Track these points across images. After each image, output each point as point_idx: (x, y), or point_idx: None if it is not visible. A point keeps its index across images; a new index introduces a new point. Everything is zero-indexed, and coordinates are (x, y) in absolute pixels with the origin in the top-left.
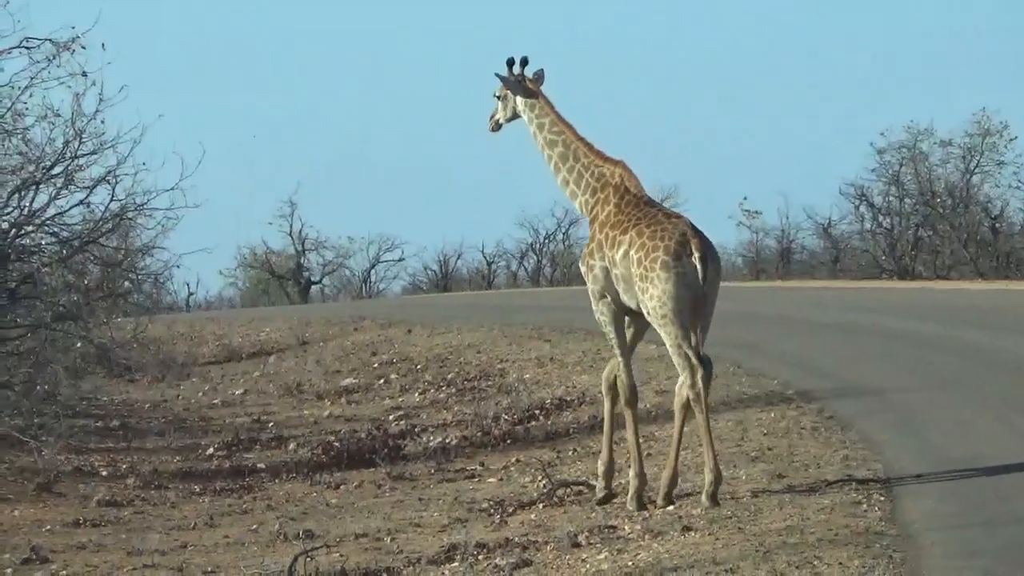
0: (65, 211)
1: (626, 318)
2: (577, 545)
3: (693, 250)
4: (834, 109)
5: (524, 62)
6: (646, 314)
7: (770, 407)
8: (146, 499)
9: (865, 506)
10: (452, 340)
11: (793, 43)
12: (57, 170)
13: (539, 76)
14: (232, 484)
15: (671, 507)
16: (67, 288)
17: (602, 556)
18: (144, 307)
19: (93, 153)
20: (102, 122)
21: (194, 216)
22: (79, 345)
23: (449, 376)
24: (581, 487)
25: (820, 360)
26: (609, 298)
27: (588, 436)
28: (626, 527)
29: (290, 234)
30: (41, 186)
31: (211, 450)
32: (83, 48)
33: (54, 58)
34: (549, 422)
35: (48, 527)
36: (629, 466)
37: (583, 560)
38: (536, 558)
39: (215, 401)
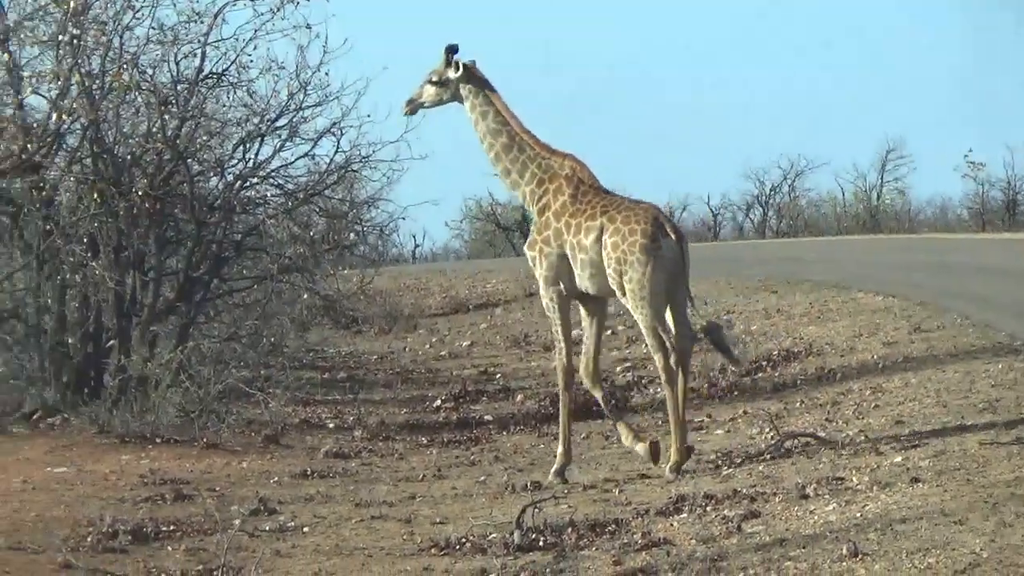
0: (290, 163)
1: (580, 304)
2: (805, 496)
3: (668, 231)
4: None
5: (455, 50)
6: (620, 296)
7: (998, 358)
8: (373, 451)
9: None
10: None
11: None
12: (282, 122)
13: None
14: (459, 436)
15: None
16: (293, 240)
17: (830, 508)
18: (370, 259)
19: (317, 105)
20: (326, 74)
21: (419, 168)
22: (305, 297)
23: None
24: (809, 438)
25: None
26: (561, 285)
27: (815, 388)
28: (854, 478)
29: None
30: (266, 138)
31: (438, 402)
32: (306, 0)
33: (278, 10)
34: (776, 373)
35: (276, 479)
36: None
37: (811, 512)
38: (764, 509)
39: (442, 353)
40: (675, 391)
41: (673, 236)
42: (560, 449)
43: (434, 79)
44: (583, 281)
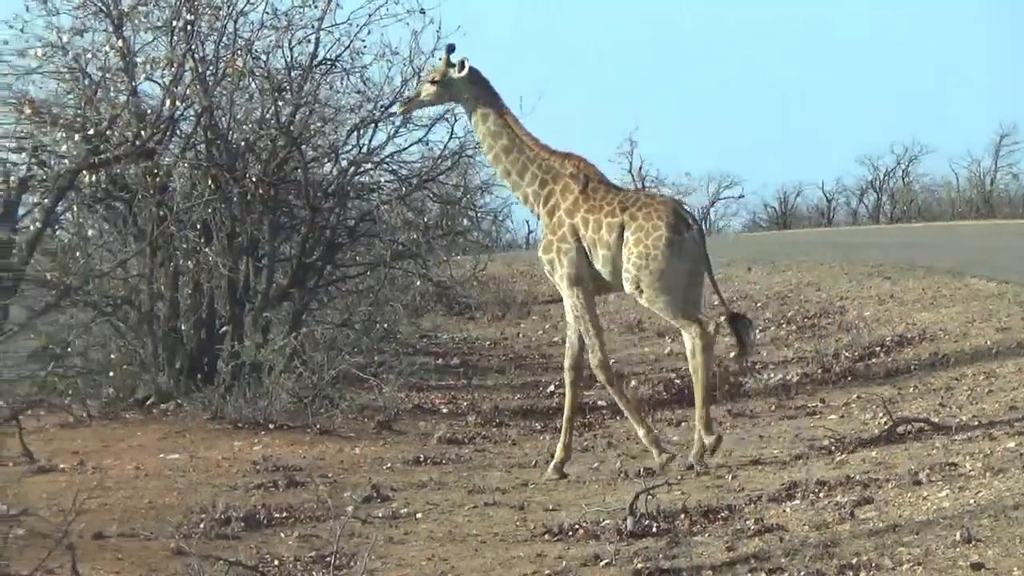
0: (404, 149)
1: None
2: (918, 483)
3: (690, 223)
4: None
5: (453, 49)
6: (634, 291)
7: None
8: (487, 437)
9: None
10: (792, 278)
11: None
12: (395, 108)
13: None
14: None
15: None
16: (406, 226)
17: (943, 494)
18: (483, 245)
19: None
20: (440, 60)
21: None
22: (418, 283)
23: (789, 313)
24: (922, 424)
25: None
26: (585, 281)
27: (929, 373)
28: (967, 464)
29: (630, 171)
30: (380, 124)
31: (551, 388)
32: None
33: None
34: (889, 359)
35: (389, 465)
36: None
37: (924, 498)
38: (877, 496)
39: (555, 339)
40: (705, 379)
41: (695, 227)
42: (561, 443)
43: (435, 78)
44: (604, 276)
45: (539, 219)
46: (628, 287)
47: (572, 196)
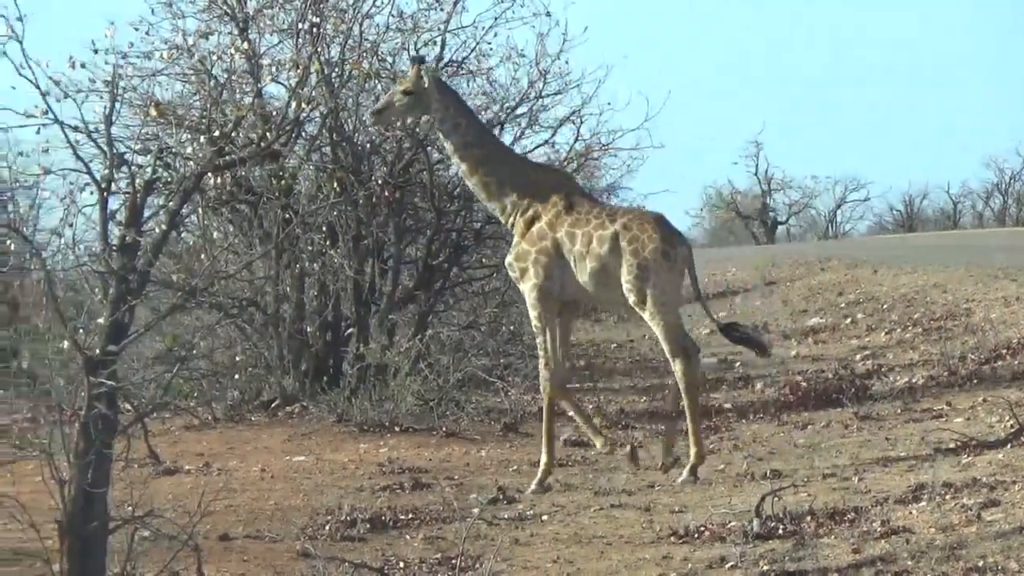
0: (530, 151)
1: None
2: None
3: (678, 240)
4: None
5: (422, 60)
6: (635, 302)
7: None
8: (613, 439)
9: None
10: (918, 280)
11: None
12: (521, 110)
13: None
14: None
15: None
16: None
17: None
18: None
19: (557, 93)
20: (566, 62)
21: (658, 156)
22: None
23: (915, 316)
24: None
25: None
26: (554, 295)
27: None
28: None
29: (755, 174)
30: (505, 126)
31: None
32: None
33: None
34: (1016, 362)
35: (515, 467)
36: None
37: None
38: (1004, 498)
39: None
40: (694, 396)
41: (683, 247)
42: (544, 458)
43: (404, 90)
44: (588, 288)
45: (512, 228)
46: (631, 298)
47: (555, 209)
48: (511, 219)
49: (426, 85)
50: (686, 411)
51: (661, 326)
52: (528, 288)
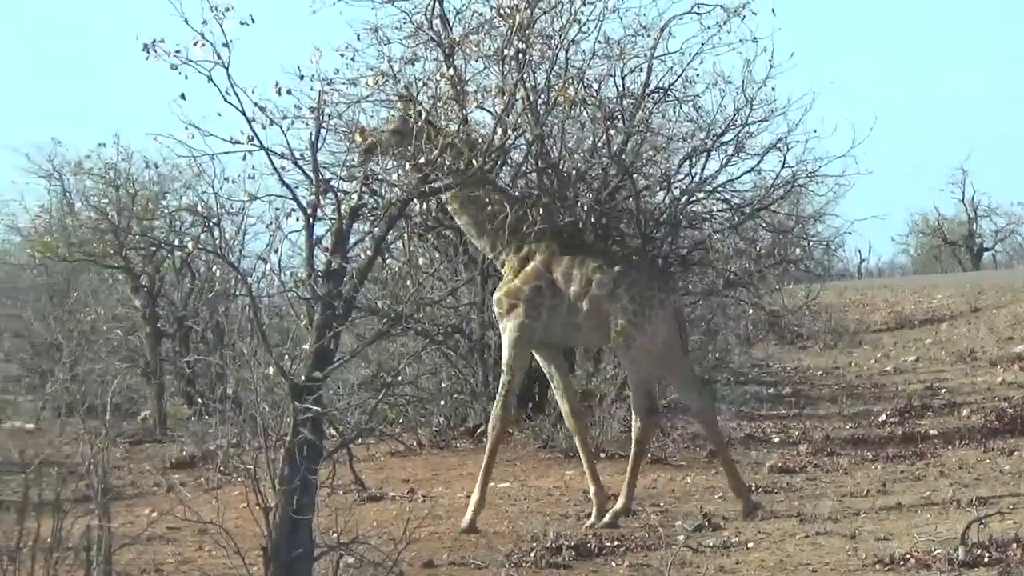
0: (736, 178)
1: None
2: None
3: (671, 292)
4: None
5: (409, 99)
6: (618, 348)
7: None
8: (818, 466)
9: None
10: None
11: None
12: (728, 137)
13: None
14: (904, 451)
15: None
16: (738, 255)
17: None
18: (815, 274)
19: (764, 120)
20: (773, 89)
21: (865, 182)
22: (750, 312)
23: None
24: None
25: None
26: (533, 339)
27: None
28: None
29: (962, 200)
30: (712, 153)
31: (883, 416)
32: (753, 14)
33: (724, 23)
34: None
35: (720, 494)
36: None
37: None
38: None
39: (887, 368)
40: (640, 453)
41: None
42: (475, 495)
43: (393, 128)
44: (580, 332)
45: (501, 265)
46: (618, 341)
47: (550, 250)
48: (504, 256)
49: (416, 125)
50: (631, 461)
51: (635, 378)
52: (512, 326)
